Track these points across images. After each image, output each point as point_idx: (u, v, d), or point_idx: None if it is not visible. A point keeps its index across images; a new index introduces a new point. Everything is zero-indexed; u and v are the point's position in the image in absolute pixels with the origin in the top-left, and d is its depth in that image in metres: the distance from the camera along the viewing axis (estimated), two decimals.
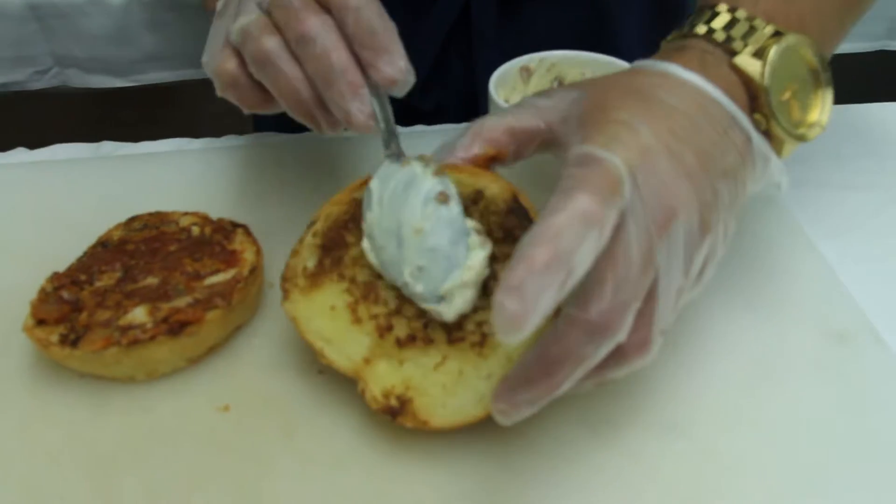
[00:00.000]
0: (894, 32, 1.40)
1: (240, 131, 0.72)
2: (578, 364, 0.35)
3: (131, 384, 0.47)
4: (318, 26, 0.43)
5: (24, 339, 0.47)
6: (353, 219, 0.47)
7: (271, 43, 0.44)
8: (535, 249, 0.32)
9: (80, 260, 0.52)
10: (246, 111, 0.49)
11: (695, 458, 0.43)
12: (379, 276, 0.45)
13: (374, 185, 0.45)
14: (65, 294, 0.48)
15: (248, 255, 0.51)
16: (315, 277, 0.46)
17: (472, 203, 0.44)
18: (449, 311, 0.42)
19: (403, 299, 0.45)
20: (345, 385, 0.46)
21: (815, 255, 0.56)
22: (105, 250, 0.52)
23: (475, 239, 0.43)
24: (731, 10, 0.44)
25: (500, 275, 0.42)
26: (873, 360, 0.48)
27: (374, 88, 0.45)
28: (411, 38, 0.75)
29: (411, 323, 0.44)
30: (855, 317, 0.51)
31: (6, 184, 0.64)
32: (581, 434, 0.44)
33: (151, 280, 0.49)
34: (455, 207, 0.43)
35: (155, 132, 0.72)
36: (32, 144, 0.70)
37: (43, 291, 0.49)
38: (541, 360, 0.36)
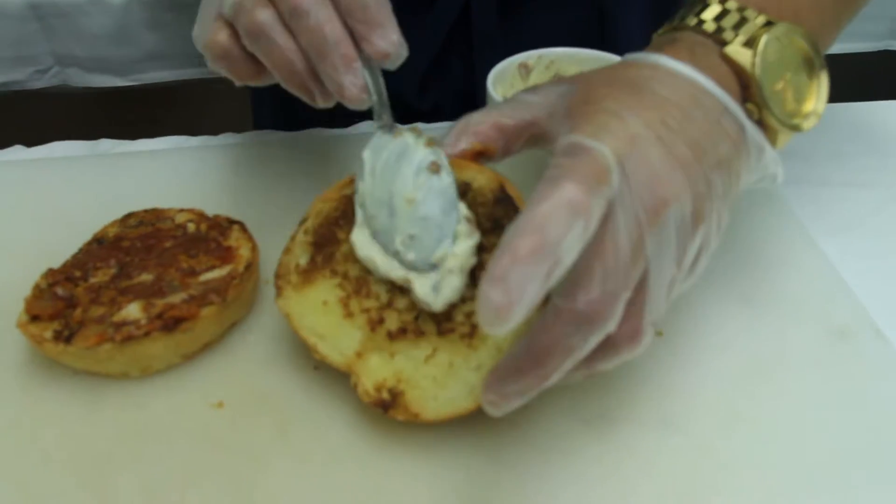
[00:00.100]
0: None
1: (239, 131, 0.72)
2: (567, 355, 0.35)
3: (125, 381, 0.47)
4: None
5: (19, 335, 0.47)
6: (343, 215, 0.47)
7: (265, 15, 0.44)
8: (520, 239, 0.31)
9: (74, 256, 0.51)
10: (237, 83, 0.49)
11: (691, 453, 0.43)
12: (369, 271, 0.45)
13: (366, 155, 0.45)
14: (59, 290, 0.48)
15: (244, 252, 0.51)
16: (307, 274, 0.46)
17: (461, 195, 0.44)
18: (437, 301, 0.42)
19: (395, 293, 0.44)
20: (339, 381, 0.46)
21: (815, 252, 0.55)
22: (100, 247, 0.52)
23: (463, 227, 0.42)
24: (722, 1, 0.43)
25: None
26: (874, 357, 0.48)
27: (367, 61, 0.45)
28: (411, 37, 0.75)
29: (402, 316, 0.44)
30: (856, 313, 0.51)
31: (3, 181, 0.64)
32: (575, 427, 0.44)
33: (146, 276, 0.49)
34: (446, 178, 0.43)
35: (155, 132, 0.72)
36: (32, 144, 0.70)
37: (37, 288, 0.49)
38: (529, 351, 0.35)
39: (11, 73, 1.36)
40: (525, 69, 0.62)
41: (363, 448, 0.43)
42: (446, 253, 0.42)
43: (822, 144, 0.66)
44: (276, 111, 0.89)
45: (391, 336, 0.44)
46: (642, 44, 0.78)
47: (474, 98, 0.76)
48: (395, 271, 0.43)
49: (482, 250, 0.43)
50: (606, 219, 0.35)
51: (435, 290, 0.42)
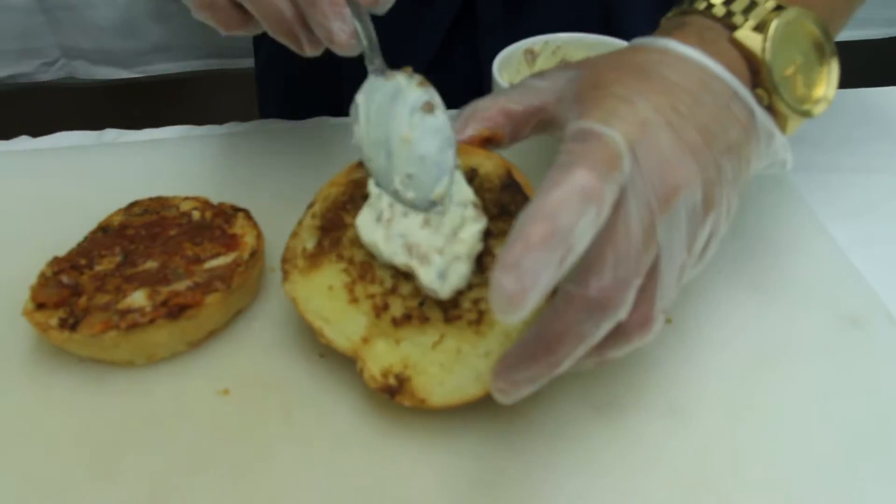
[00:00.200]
0: None
1: (244, 122, 0.72)
2: (579, 342, 0.35)
3: (131, 368, 0.47)
4: None
5: (25, 323, 0.47)
6: (351, 200, 0.47)
7: None
8: (532, 226, 0.31)
9: (80, 245, 0.51)
10: (223, 33, 0.48)
11: (700, 440, 0.42)
12: (374, 257, 0.45)
13: (360, 99, 0.45)
14: (64, 278, 0.48)
15: (249, 239, 0.51)
16: (314, 258, 0.46)
17: (468, 182, 0.44)
18: (444, 289, 0.41)
19: (399, 279, 0.44)
20: (344, 368, 0.46)
21: (825, 238, 0.55)
22: (105, 235, 0.52)
23: (470, 212, 0.42)
24: None
25: (497, 252, 0.42)
26: (886, 343, 0.47)
27: (355, 7, 0.44)
28: (416, 25, 0.74)
29: (406, 302, 0.44)
30: (867, 299, 0.50)
31: (9, 170, 0.64)
32: (583, 415, 0.44)
33: (151, 264, 0.49)
34: (441, 115, 0.43)
35: (160, 125, 0.72)
36: (38, 136, 0.70)
37: (43, 276, 0.49)
38: (540, 338, 0.35)
39: (18, 65, 1.36)
40: (531, 55, 0.61)
41: (369, 435, 0.43)
42: (445, 191, 0.42)
43: (832, 130, 0.66)
44: (282, 101, 0.88)
45: (396, 322, 0.43)
46: (648, 29, 0.77)
47: (479, 86, 0.75)
48: (397, 257, 0.43)
49: (489, 236, 0.43)
50: (618, 205, 0.35)
51: (441, 278, 0.42)
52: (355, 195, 0.47)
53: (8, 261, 0.54)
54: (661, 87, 0.39)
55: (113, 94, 1.41)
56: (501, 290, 0.30)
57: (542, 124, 0.44)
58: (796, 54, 0.43)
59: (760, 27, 0.41)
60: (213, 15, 0.46)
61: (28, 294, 0.47)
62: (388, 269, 0.44)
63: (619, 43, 0.60)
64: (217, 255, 0.50)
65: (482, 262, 0.43)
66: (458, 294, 0.42)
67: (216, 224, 0.52)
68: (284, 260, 0.47)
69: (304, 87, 0.84)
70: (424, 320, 0.43)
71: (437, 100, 0.44)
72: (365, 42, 0.45)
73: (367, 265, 0.45)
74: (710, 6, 0.43)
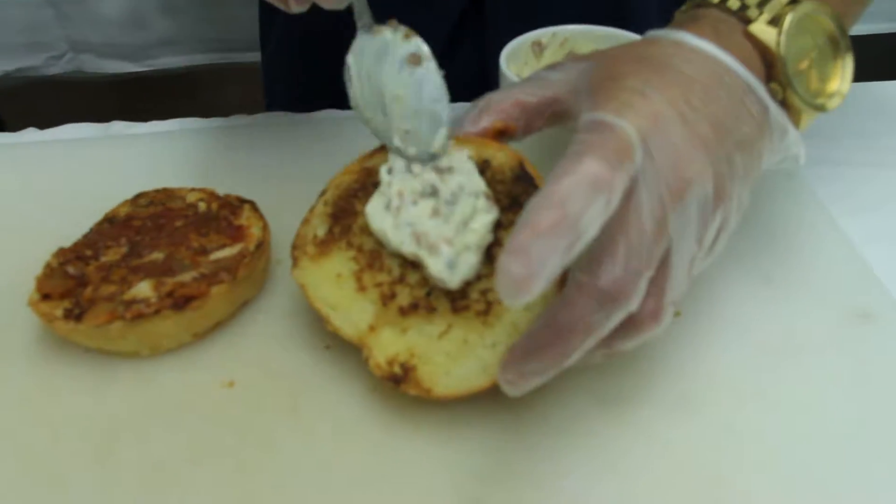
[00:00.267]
0: None
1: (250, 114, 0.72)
2: (589, 333, 0.35)
3: (136, 359, 0.47)
4: None
5: (30, 313, 0.47)
6: (363, 188, 0.47)
7: None
8: (542, 212, 0.31)
9: (86, 236, 0.51)
10: None
11: (708, 434, 0.42)
12: (383, 245, 0.44)
13: (350, 59, 0.46)
14: (70, 269, 0.48)
15: (255, 231, 0.51)
16: (324, 245, 0.46)
17: (480, 173, 0.44)
18: (453, 278, 0.41)
19: (407, 267, 0.44)
20: (350, 360, 0.46)
21: (836, 232, 0.54)
22: (111, 226, 0.52)
23: (482, 203, 0.42)
24: None
25: (506, 239, 0.41)
26: None
27: None
28: (424, 17, 0.74)
29: (414, 291, 0.43)
30: (878, 295, 0.50)
31: (16, 162, 0.64)
32: (590, 408, 0.43)
33: (157, 255, 0.49)
34: (430, 65, 0.44)
35: (167, 119, 0.71)
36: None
37: (48, 266, 0.48)
38: (550, 329, 0.35)
39: (26, 58, 1.36)
40: (539, 47, 0.61)
41: (374, 427, 0.43)
42: (444, 142, 0.43)
43: (844, 124, 0.65)
44: (288, 94, 0.88)
45: (403, 311, 0.43)
46: (657, 22, 0.77)
47: (487, 79, 0.75)
48: (405, 246, 0.42)
49: (499, 227, 0.43)
50: (630, 196, 0.35)
51: (450, 267, 0.41)
52: (367, 183, 0.47)
53: (14, 251, 0.54)
54: (674, 79, 0.39)
55: (120, 88, 1.41)
56: (508, 274, 0.30)
57: (555, 116, 0.44)
58: (811, 48, 0.43)
59: (775, 21, 0.41)
60: None
61: (34, 284, 0.47)
62: (396, 257, 0.44)
63: (628, 35, 0.59)
64: (223, 246, 0.49)
65: (491, 254, 0.42)
66: (467, 284, 0.42)
67: (222, 215, 0.52)
68: (294, 246, 0.47)
69: (310, 81, 0.84)
70: (431, 310, 0.43)
71: (423, 50, 0.44)
72: None
73: (375, 253, 0.45)
74: None
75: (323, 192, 0.48)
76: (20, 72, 1.39)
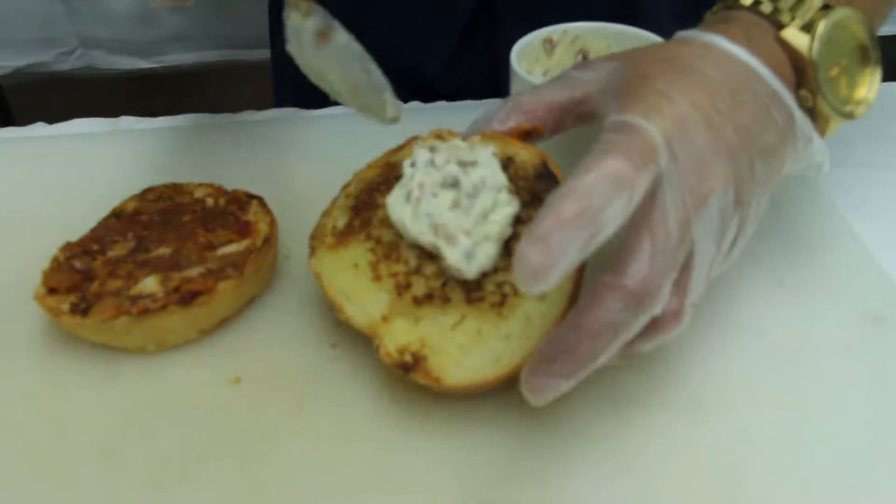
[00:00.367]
0: None
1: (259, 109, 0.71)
2: (615, 334, 0.34)
3: (142, 355, 0.46)
4: None
5: (37, 308, 0.46)
6: (385, 182, 0.47)
7: None
8: (564, 203, 0.32)
9: (93, 230, 0.51)
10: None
11: (722, 438, 0.41)
12: (402, 237, 0.45)
13: (290, 49, 0.45)
14: (77, 263, 0.48)
15: (263, 227, 0.50)
16: (343, 236, 0.46)
17: (503, 168, 0.44)
18: (470, 268, 0.41)
19: (424, 259, 0.44)
20: (357, 359, 0.46)
21: (850, 235, 0.53)
22: (118, 221, 0.51)
23: (503, 196, 0.42)
24: None
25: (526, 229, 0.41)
26: None
27: None
28: (435, 16, 0.74)
29: (429, 282, 0.43)
30: (891, 297, 0.49)
31: (24, 156, 0.64)
32: (603, 411, 0.43)
33: (164, 250, 0.48)
34: (342, 37, 0.43)
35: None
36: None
37: (55, 260, 0.48)
38: (576, 331, 0.34)
39: (36, 54, 1.37)
40: (549, 44, 0.60)
41: (381, 426, 0.42)
42: (394, 104, 0.43)
43: (860, 125, 0.64)
44: (297, 92, 0.88)
45: (417, 301, 0.43)
46: (668, 19, 0.76)
47: (498, 77, 0.75)
48: (424, 236, 0.42)
49: (519, 222, 0.42)
50: (654, 198, 0.35)
51: (468, 257, 0.41)
52: (390, 177, 0.47)
53: (21, 245, 0.54)
54: (701, 83, 0.39)
55: (130, 84, 1.41)
56: (527, 262, 0.31)
57: (583, 116, 0.44)
58: (841, 55, 0.43)
59: (808, 27, 0.41)
60: None
61: (40, 278, 0.47)
62: (413, 249, 0.44)
63: (639, 32, 0.59)
64: (230, 241, 0.49)
65: (510, 247, 0.42)
66: (483, 276, 0.42)
67: (230, 211, 0.51)
68: (313, 236, 0.47)
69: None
70: (446, 300, 0.42)
71: (328, 21, 0.43)
72: None
73: (393, 245, 0.45)
74: (758, 2, 0.43)
75: (346, 185, 0.49)
76: (31, 67, 1.40)
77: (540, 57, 0.60)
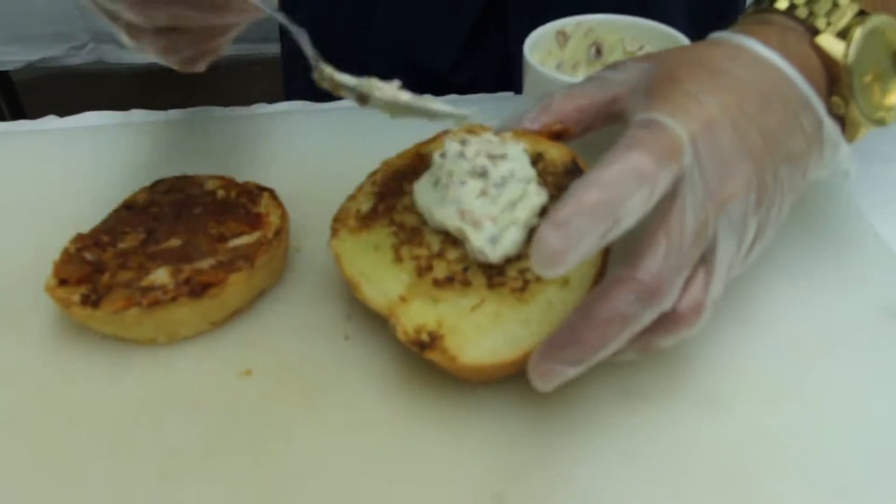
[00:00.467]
0: None
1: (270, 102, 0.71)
2: (624, 326, 0.35)
3: (153, 347, 0.46)
4: None
5: (48, 299, 0.46)
6: (413, 171, 0.48)
7: None
8: (586, 192, 0.32)
9: (104, 222, 0.51)
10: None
11: (736, 432, 0.41)
12: (426, 223, 0.45)
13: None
14: (87, 255, 0.48)
15: (274, 219, 0.50)
16: (366, 220, 0.47)
17: (533, 164, 0.44)
18: (495, 252, 0.41)
19: (447, 244, 0.44)
20: (370, 351, 0.45)
21: (868, 230, 0.53)
22: (129, 213, 0.51)
23: (532, 187, 0.43)
24: None
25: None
26: None
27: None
28: (448, 9, 0.73)
29: (451, 266, 0.43)
30: None
31: (36, 149, 0.64)
32: (617, 403, 0.42)
33: (175, 242, 0.48)
34: (375, 89, 0.44)
35: None
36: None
37: (66, 252, 0.48)
38: (586, 320, 0.35)
39: (48, 49, 1.37)
40: (563, 36, 0.60)
41: (393, 419, 0.42)
42: (449, 108, 0.43)
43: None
44: (308, 87, 0.87)
45: (437, 283, 0.43)
46: (681, 11, 0.75)
47: (511, 69, 0.74)
48: (450, 220, 0.43)
49: (546, 213, 0.43)
50: (674, 197, 0.36)
51: (493, 241, 0.41)
52: (419, 167, 0.47)
53: (33, 237, 0.54)
54: (731, 85, 0.39)
55: (141, 79, 1.41)
56: (546, 244, 0.32)
57: (613, 116, 0.45)
58: (875, 63, 0.43)
59: (843, 33, 0.42)
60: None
61: (51, 270, 0.47)
62: (437, 235, 0.44)
63: (654, 24, 0.58)
64: (241, 233, 0.49)
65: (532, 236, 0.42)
66: (505, 262, 0.42)
67: (241, 203, 0.51)
68: (336, 219, 0.47)
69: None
70: (466, 284, 0.42)
71: (356, 83, 0.45)
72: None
73: (417, 230, 0.45)
74: (793, 7, 0.43)
75: (373, 172, 0.49)
76: (42, 62, 1.40)
77: (553, 49, 0.60)
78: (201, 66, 0.49)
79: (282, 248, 0.49)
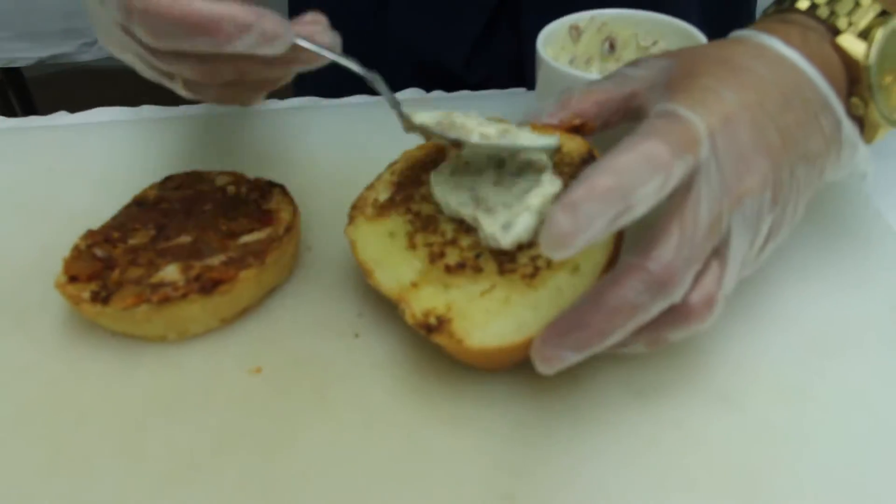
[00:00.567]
0: None
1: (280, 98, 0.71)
2: (631, 315, 0.35)
3: (163, 344, 0.46)
4: None
5: (58, 296, 0.46)
6: (433, 162, 0.49)
7: None
8: (599, 176, 0.32)
9: (114, 218, 0.51)
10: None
11: (746, 430, 0.41)
12: (441, 211, 0.45)
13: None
14: (98, 251, 0.47)
15: (285, 215, 0.50)
16: (383, 209, 0.47)
17: (550, 156, 0.45)
18: (507, 238, 0.41)
19: (460, 232, 0.44)
20: (380, 349, 0.45)
21: (883, 226, 0.52)
22: (140, 209, 0.51)
23: (547, 176, 0.43)
24: None
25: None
26: None
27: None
28: (461, 4, 0.73)
29: (463, 252, 0.43)
30: None
31: (47, 145, 0.64)
32: (624, 398, 0.42)
33: (185, 239, 0.48)
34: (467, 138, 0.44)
35: None
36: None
37: (76, 249, 0.48)
38: (595, 306, 0.35)
39: (60, 45, 1.37)
40: (576, 31, 0.59)
41: (402, 417, 0.42)
42: (539, 141, 0.43)
43: None
44: (318, 82, 0.87)
45: (449, 269, 0.43)
46: (696, 7, 0.75)
47: (524, 63, 0.73)
48: (464, 207, 0.43)
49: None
50: (689, 189, 0.35)
51: (505, 228, 0.41)
52: (438, 159, 0.48)
53: (43, 233, 0.54)
54: (752, 82, 0.39)
55: (150, 82, 1.41)
56: (556, 226, 0.31)
57: (632, 111, 0.45)
58: (895, 63, 0.42)
59: (864, 34, 0.42)
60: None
61: (61, 267, 0.47)
62: (451, 223, 0.45)
63: (668, 18, 0.57)
64: (252, 230, 0.48)
65: None
66: (517, 249, 0.42)
67: (251, 199, 0.51)
68: (354, 207, 0.48)
69: (340, 69, 0.83)
70: (478, 270, 0.42)
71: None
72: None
73: (431, 218, 0.45)
74: (815, 6, 0.43)
75: (393, 163, 0.50)
76: (53, 59, 1.40)
77: (566, 44, 0.59)
78: (258, 102, 0.49)
79: (292, 244, 0.49)
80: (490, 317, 0.40)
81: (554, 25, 0.58)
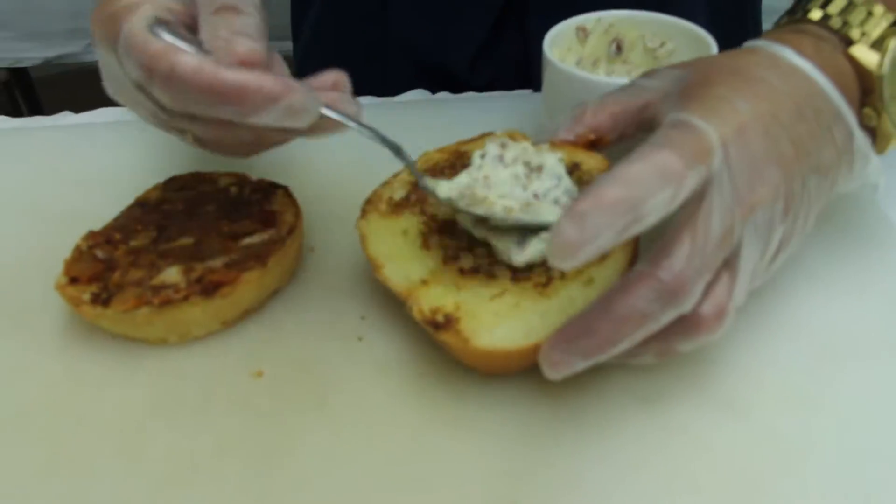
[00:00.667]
0: None
1: None
2: (640, 323, 0.34)
3: (164, 347, 0.45)
4: None
5: (59, 298, 0.46)
6: (451, 166, 0.49)
7: None
8: (607, 187, 0.32)
9: (116, 219, 0.50)
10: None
11: (753, 438, 0.40)
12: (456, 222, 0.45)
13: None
14: (99, 253, 0.47)
15: (288, 217, 0.49)
16: (398, 207, 0.47)
17: (569, 173, 0.45)
18: (520, 257, 0.41)
19: (477, 240, 0.44)
20: (383, 352, 0.45)
21: (894, 236, 0.51)
22: (142, 210, 0.51)
23: (566, 200, 0.43)
24: None
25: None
26: None
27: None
28: (467, 7, 0.72)
29: (478, 259, 0.43)
30: None
31: (50, 145, 0.63)
32: (630, 405, 0.42)
33: (186, 240, 0.48)
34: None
35: None
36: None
37: (77, 250, 0.48)
38: (604, 313, 0.35)
39: (66, 45, 1.37)
40: (583, 32, 0.59)
41: (405, 422, 0.41)
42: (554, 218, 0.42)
43: None
44: None
45: (462, 272, 0.43)
46: (703, 8, 0.74)
47: (530, 65, 0.73)
48: (477, 229, 0.43)
49: None
50: (702, 199, 0.35)
51: (520, 246, 0.41)
52: (457, 164, 0.49)
53: (44, 234, 0.53)
54: (765, 93, 0.39)
55: None
56: (562, 235, 0.31)
57: (646, 122, 0.45)
58: None
59: (877, 44, 0.41)
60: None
61: (62, 268, 0.46)
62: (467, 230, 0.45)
63: (675, 20, 0.57)
64: (254, 232, 0.48)
65: None
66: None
67: (254, 200, 0.51)
68: (368, 201, 0.48)
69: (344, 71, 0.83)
70: (491, 276, 0.42)
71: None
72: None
73: (448, 223, 0.45)
74: (827, 17, 0.43)
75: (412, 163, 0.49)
76: (60, 59, 1.40)
77: (573, 45, 0.59)
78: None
79: (295, 246, 0.49)
80: (499, 319, 0.40)
81: (560, 27, 0.57)
